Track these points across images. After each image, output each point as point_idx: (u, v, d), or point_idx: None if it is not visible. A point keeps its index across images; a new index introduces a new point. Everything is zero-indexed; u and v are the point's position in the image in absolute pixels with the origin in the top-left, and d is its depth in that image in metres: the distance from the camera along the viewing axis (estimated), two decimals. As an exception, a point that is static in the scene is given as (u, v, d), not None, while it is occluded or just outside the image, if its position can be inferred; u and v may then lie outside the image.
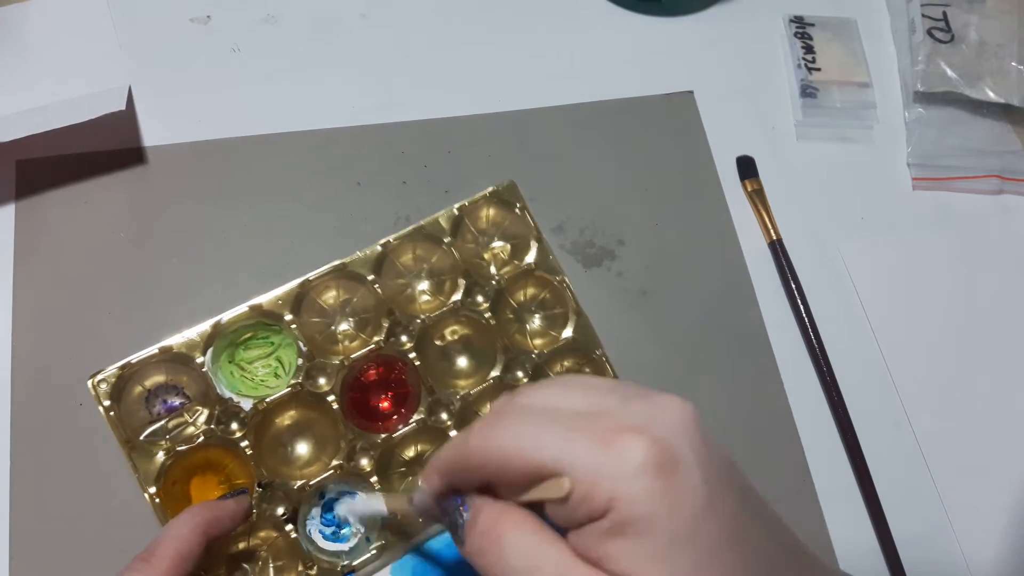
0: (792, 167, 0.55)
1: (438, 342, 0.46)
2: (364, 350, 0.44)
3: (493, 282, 0.46)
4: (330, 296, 0.45)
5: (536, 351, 0.45)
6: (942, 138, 0.56)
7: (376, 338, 0.44)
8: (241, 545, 0.41)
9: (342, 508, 0.41)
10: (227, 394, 0.42)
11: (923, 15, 0.58)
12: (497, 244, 0.48)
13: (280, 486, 0.41)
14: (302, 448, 0.43)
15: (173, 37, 0.54)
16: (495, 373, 0.44)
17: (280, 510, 0.41)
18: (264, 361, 0.44)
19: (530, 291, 0.47)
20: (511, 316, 0.47)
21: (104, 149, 0.49)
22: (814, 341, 0.49)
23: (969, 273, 0.53)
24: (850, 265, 0.53)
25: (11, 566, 0.41)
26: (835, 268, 0.53)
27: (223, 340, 0.43)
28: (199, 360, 0.42)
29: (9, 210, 0.47)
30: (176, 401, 0.42)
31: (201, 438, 0.41)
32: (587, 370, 0.46)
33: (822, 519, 0.46)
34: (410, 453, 0.44)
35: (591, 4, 0.59)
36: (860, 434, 0.48)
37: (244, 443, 0.41)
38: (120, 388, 0.41)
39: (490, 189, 0.47)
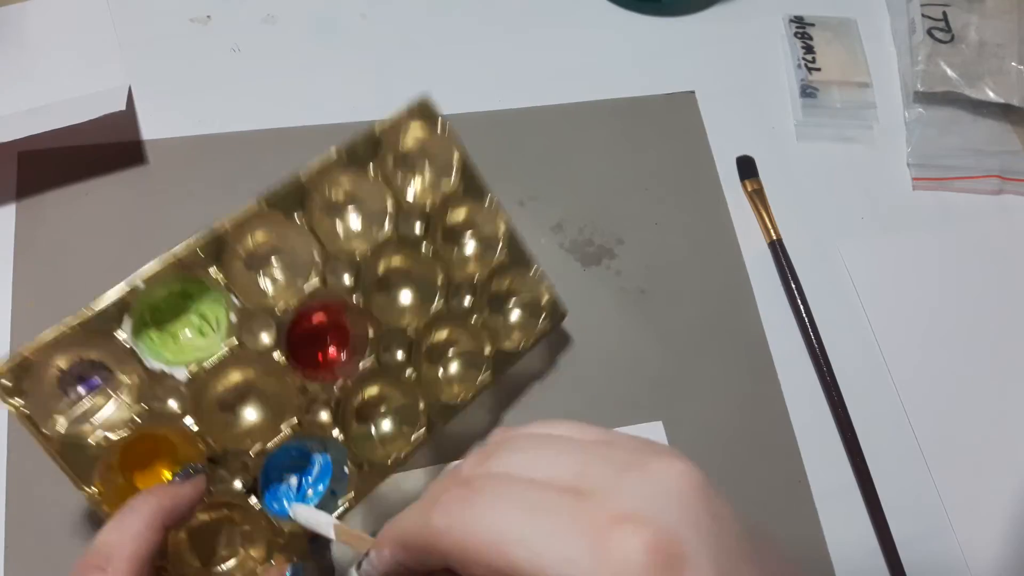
0: (792, 167, 0.55)
1: (377, 278, 0.43)
2: (301, 296, 0.39)
3: (425, 209, 0.42)
4: (255, 240, 0.40)
5: (476, 275, 0.43)
6: (942, 138, 0.56)
7: (312, 281, 0.40)
8: (201, 523, 0.37)
9: (294, 508, 0.37)
10: (156, 366, 0.36)
11: (923, 15, 0.58)
12: (421, 169, 0.44)
13: (235, 457, 0.37)
14: (251, 412, 0.39)
15: (173, 37, 0.54)
16: (440, 303, 0.43)
17: (238, 483, 0.37)
18: (184, 319, 0.39)
19: (460, 215, 0.45)
20: (446, 242, 0.44)
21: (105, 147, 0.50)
22: (814, 341, 0.49)
23: (969, 273, 0.53)
24: (850, 265, 0.53)
25: (6, 567, 0.41)
26: (835, 268, 0.53)
27: (140, 305, 0.37)
28: (119, 334, 0.36)
29: (10, 203, 0.47)
30: (96, 378, 0.36)
31: (136, 420, 0.36)
32: (523, 291, 0.45)
33: (817, 520, 0.46)
34: (371, 393, 0.42)
35: (591, 4, 0.59)
36: (860, 434, 0.47)
37: (186, 417, 0.36)
38: (26, 375, 0.34)
39: (407, 107, 0.42)
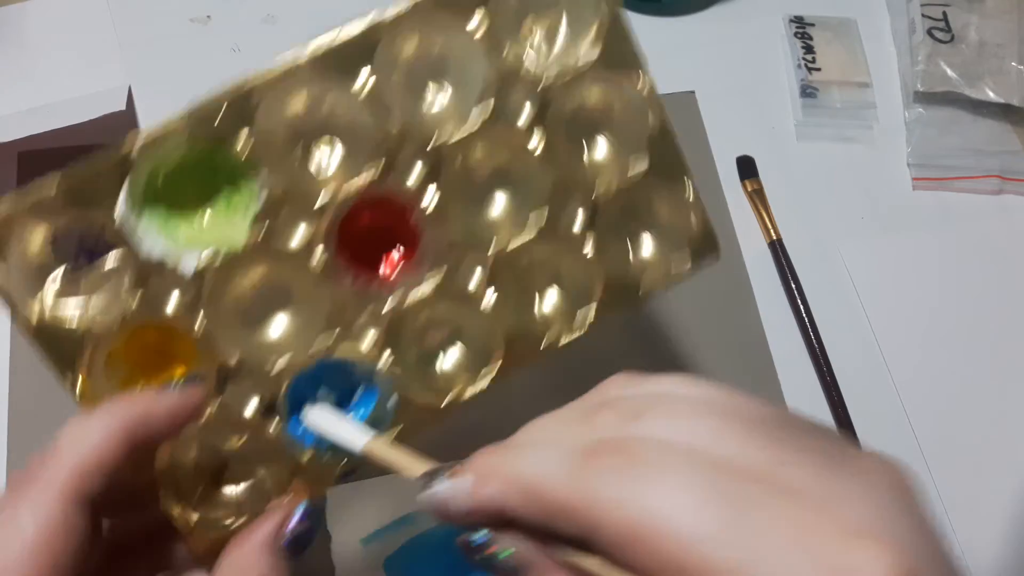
0: (792, 167, 0.55)
1: (463, 173, 0.33)
2: (356, 184, 0.31)
3: (543, 84, 0.32)
4: (301, 104, 0.31)
5: (602, 185, 0.33)
6: (942, 138, 0.56)
7: (373, 168, 0.31)
8: (210, 439, 0.31)
9: (307, 414, 0.31)
10: (157, 250, 0.29)
11: (923, 15, 0.58)
12: (551, 26, 0.33)
13: (249, 373, 0.30)
14: (280, 321, 0.32)
15: (173, 37, 0.54)
16: (542, 215, 0.33)
17: (251, 405, 0.31)
18: (209, 189, 0.31)
19: (593, 97, 0.34)
20: (565, 135, 0.33)
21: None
22: (814, 341, 0.49)
23: (969, 273, 0.53)
24: (850, 265, 0.53)
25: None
26: (835, 268, 0.53)
27: (150, 167, 0.29)
28: (114, 210, 0.29)
29: (9, 209, 0.48)
30: (98, 251, 0.29)
31: (132, 312, 0.29)
32: (664, 214, 0.34)
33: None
34: (436, 316, 0.33)
35: (591, 4, 0.59)
36: (860, 434, 0.47)
37: (195, 317, 0.30)
38: (5, 240, 0.28)
39: None
